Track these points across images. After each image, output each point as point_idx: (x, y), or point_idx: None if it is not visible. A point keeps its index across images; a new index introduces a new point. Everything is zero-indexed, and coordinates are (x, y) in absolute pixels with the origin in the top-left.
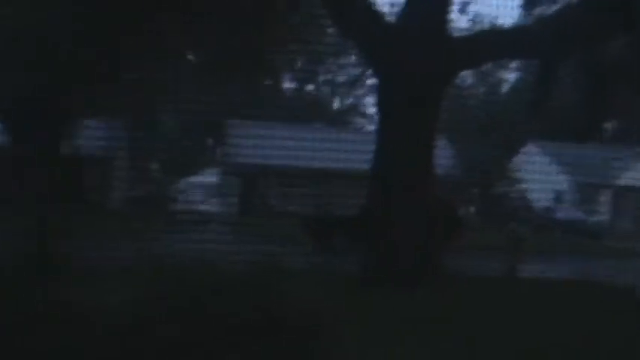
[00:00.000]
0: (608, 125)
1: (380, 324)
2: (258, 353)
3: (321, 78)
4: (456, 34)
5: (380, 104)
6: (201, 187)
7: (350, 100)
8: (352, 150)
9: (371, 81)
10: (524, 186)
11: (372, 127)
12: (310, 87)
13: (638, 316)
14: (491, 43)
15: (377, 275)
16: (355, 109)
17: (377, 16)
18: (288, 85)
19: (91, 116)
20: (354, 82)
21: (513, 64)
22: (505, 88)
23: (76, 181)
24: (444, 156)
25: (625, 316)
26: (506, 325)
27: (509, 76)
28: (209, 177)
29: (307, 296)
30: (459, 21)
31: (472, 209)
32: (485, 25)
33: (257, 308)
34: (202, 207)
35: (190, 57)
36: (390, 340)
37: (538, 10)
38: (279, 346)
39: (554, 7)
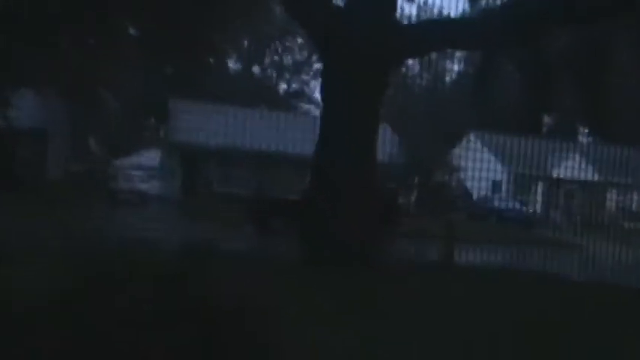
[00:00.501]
0: (547, 118)
1: (313, 306)
2: (188, 336)
3: (267, 60)
4: (403, 21)
5: (324, 89)
6: (142, 166)
7: (296, 84)
8: (296, 134)
9: (318, 65)
10: (463, 175)
11: (317, 112)
12: (256, 69)
13: (563, 303)
14: (437, 32)
15: (314, 258)
16: (301, 93)
17: None
18: (233, 66)
19: (26, 87)
20: (301, 66)
21: (458, 55)
22: (449, 78)
23: (8, 155)
24: (386, 143)
25: (549, 303)
26: (433, 309)
27: (454, 66)
28: (150, 156)
29: (241, 278)
30: (406, 9)
31: (412, 197)
32: (432, 15)
33: (187, 291)
34: (142, 186)
35: (133, 33)
36: (321, 323)
37: (483, 2)
38: (209, 329)
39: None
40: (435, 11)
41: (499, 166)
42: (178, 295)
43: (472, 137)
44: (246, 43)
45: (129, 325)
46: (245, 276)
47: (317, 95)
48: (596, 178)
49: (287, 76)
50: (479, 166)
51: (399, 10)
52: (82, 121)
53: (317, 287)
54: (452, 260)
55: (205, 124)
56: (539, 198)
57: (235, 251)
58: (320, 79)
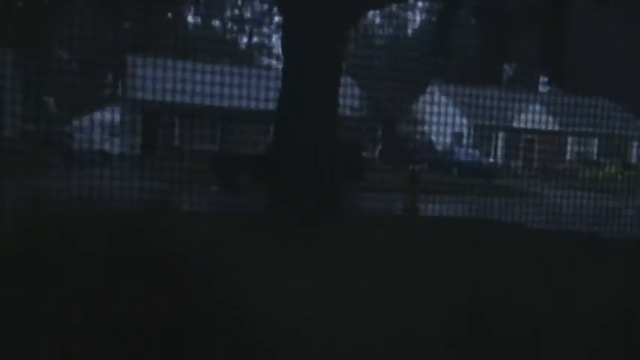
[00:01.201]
0: (508, 68)
1: (275, 261)
2: (146, 291)
3: (228, 14)
4: None
5: (285, 42)
6: (100, 124)
7: (257, 38)
8: (258, 89)
9: (279, 18)
10: (425, 127)
11: (279, 66)
12: (216, 22)
13: (523, 251)
14: None
15: (278, 214)
16: (263, 47)
17: None
18: (192, 20)
19: None
20: (262, 19)
21: (420, 5)
22: (410, 29)
23: None
24: (348, 96)
25: (510, 250)
26: (394, 256)
27: (416, 17)
28: (109, 114)
29: (204, 234)
30: None
31: (375, 149)
32: None
33: (150, 247)
34: (101, 145)
35: None
36: (284, 276)
37: None
38: (171, 283)
39: None
40: None
41: (460, 118)
42: (136, 248)
43: (433, 89)
44: None
45: (85, 279)
46: (206, 229)
47: (279, 49)
48: (556, 128)
49: (248, 29)
50: (440, 117)
51: None
52: (37, 78)
53: (280, 240)
54: (416, 211)
55: (166, 80)
56: (499, 148)
57: (197, 207)
58: (281, 33)
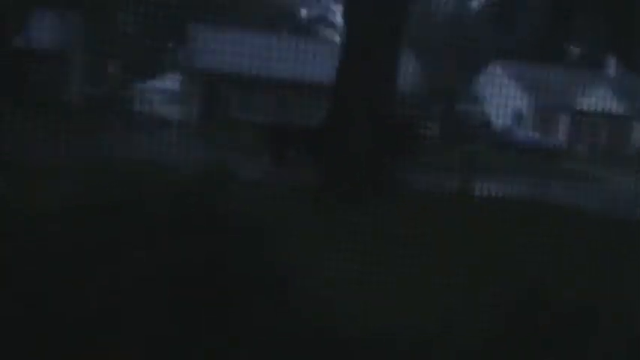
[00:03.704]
0: (574, 49)
1: (324, 234)
2: (202, 254)
3: None
4: None
5: (346, 14)
6: (161, 91)
7: (317, 10)
8: (317, 61)
9: None
10: (485, 105)
11: (338, 38)
12: None
13: (582, 236)
14: None
15: (329, 187)
16: (323, 19)
17: None
18: None
19: (46, 8)
20: None
21: None
22: (474, 5)
23: (26, 76)
24: (407, 71)
25: (569, 236)
26: (446, 239)
27: None
28: (170, 81)
29: (256, 205)
30: None
31: (432, 126)
32: None
33: (203, 212)
34: (161, 111)
35: None
36: (331, 249)
37: None
38: (223, 248)
39: None
40: None
41: (522, 96)
42: (194, 214)
43: (495, 66)
44: None
45: (146, 242)
46: (259, 200)
47: (338, 21)
48: (622, 110)
49: (309, 0)
50: (501, 95)
51: None
52: (101, 44)
53: (330, 215)
54: (471, 191)
55: (226, 49)
56: (562, 129)
57: (251, 178)
58: (342, 5)
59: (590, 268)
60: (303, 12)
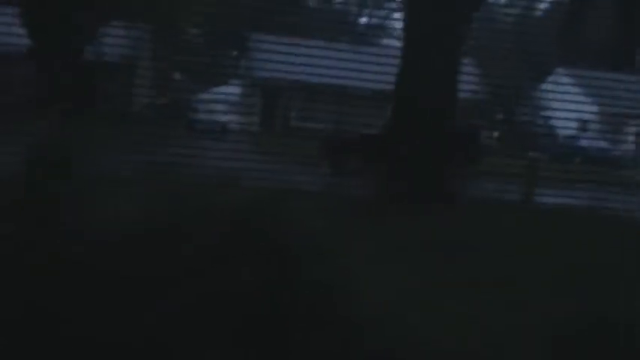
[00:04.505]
0: None
1: (385, 246)
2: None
3: None
4: None
5: (407, 22)
6: (222, 99)
7: (377, 18)
8: (377, 69)
9: None
10: (549, 113)
11: (398, 46)
12: (337, 1)
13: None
14: None
15: (390, 198)
16: (382, 27)
17: None
18: None
19: (113, 20)
20: None
21: None
22: (538, 10)
23: (96, 87)
24: (469, 79)
25: (628, 248)
26: (508, 250)
27: None
28: (230, 89)
29: (314, 217)
30: None
31: (494, 135)
32: None
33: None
34: (222, 119)
35: None
36: (392, 263)
37: None
38: (281, 266)
39: None
40: None
41: (588, 104)
42: (256, 230)
43: (560, 73)
44: None
45: (209, 259)
46: (322, 214)
47: (398, 28)
48: None
49: (368, 9)
50: (566, 103)
51: None
52: (166, 54)
53: (393, 226)
54: (532, 201)
55: (285, 58)
56: (630, 138)
57: (311, 188)
58: (402, 12)
59: None
60: (364, 19)
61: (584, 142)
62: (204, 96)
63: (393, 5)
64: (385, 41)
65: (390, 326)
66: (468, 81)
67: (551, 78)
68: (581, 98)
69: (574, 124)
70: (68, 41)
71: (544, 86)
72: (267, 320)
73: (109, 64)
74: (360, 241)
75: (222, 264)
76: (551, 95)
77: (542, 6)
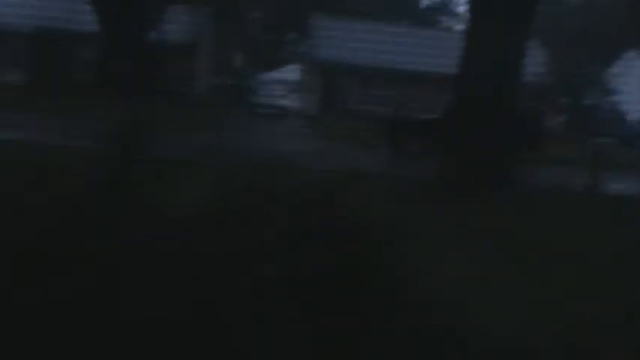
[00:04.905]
0: None
1: (445, 232)
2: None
3: None
4: None
5: (471, 3)
6: (283, 81)
7: None
8: (438, 51)
9: None
10: (617, 97)
11: (460, 27)
12: None
13: None
14: None
15: (451, 182)
16: (443, 8)
17: None
18: None
19: (176, 3)
20: None
21: None
22: None
23: (161, 68)
24: (534, 62)
25: None
26: (567, 238)
27: None
28: (290, 72)
29: (374, 200)
30: None
31: (559, 119)
32: None
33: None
34: (282, 101)
35: None
36: (452, 249)
37: None
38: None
39: None
40: None
41: None
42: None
43: (631, 57)
44: None
45: (285, 238)
46: (381, 197)
47: (460, 10)
48: None
49: None
50: (636, 87)
51: None
52: (227, 36)
53: (452, 213)
54: (597, 188)
55: (346, 41)
56: None
57: (370, 172)
58: None
59: None
60: (425, 1)
61: None
62: (265, 77)
63: None
64: (447, 23)
65: (467, 310)
66: (534, 64)
67: (620, 62)
68: None
69: None
70: (134, 24)
71: (613, 70)
72: (341, 299)
73: (173, 47)
74: (428, 227)
75: (297, 243)
76: (620, 79)
77: None
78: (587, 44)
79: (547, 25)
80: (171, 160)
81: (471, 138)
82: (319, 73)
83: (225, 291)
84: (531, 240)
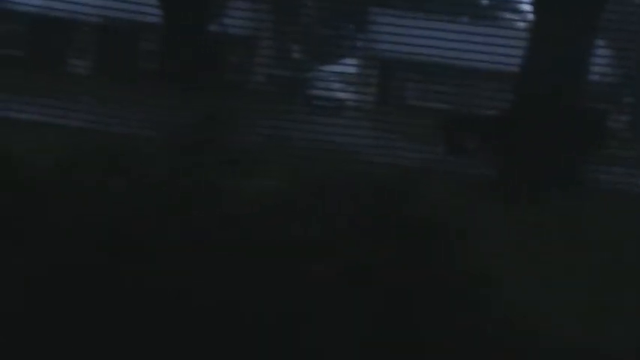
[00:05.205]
0: None
1: (517, 231)
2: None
3: None
4: None
5: None
6: (339, 74)
7: None
8: (498, 47)
9: None
10: None
11: (522, 24)
12: None
13: None
14: None
15: (508, 181)
16: (505, 4)
17: None
18: None
19: None
20: None
21: None
22: None
23: (220, 59)
24: (599, 59)
25: None
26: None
27: None
28: (348, 65)
29: (432, 197)
30: None
31: (624, 119)
32: None
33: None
34: (339, 95)
35: None
36: (524, 249)
37: None
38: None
39: None
40: None
41: None
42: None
43: None
44: None
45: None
46: (447, 194)
47: (521, 6)
48: None
49: None
50: None
51: None
52: (285, 28)
53: (521, 211)
54: None
55: (405, 35)
56: None
57: (429, 167)
58: None
59: None
60: None
61: None
62: (322, 71)
63: None
64: (508, 18)
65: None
66: (599, 63)
67: None
68: None
69: None
70: (195, 16)
71: None
72: (407, 294)
73: (234, 39)
74: (498, 225)
75: (365, 237)
76: None
77: None
78: None
79: (613, 24)
80: (242, 150)
81: (535, 136)
82: (378, 67)
83: (296, 283)
84: (604, 240)
